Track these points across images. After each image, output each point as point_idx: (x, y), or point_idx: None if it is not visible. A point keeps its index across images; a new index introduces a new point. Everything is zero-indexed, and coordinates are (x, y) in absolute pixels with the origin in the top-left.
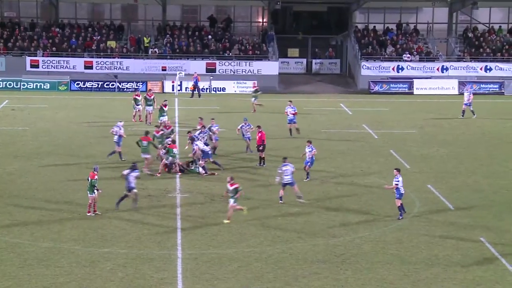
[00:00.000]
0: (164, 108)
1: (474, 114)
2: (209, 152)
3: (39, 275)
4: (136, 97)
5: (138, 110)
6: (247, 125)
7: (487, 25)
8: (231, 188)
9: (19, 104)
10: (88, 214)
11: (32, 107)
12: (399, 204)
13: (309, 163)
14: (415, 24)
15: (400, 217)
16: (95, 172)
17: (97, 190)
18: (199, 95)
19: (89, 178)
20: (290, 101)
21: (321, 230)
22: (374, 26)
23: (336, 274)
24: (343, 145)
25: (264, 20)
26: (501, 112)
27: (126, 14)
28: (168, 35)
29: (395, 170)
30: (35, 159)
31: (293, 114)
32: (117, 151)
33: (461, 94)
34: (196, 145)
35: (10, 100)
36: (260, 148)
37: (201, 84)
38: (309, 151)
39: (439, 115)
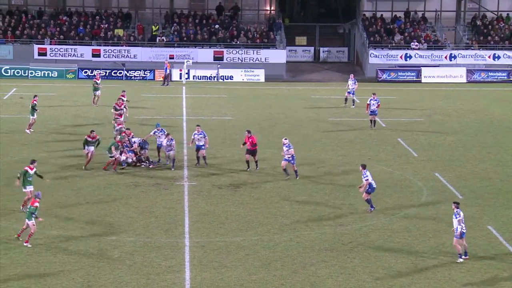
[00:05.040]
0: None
1: (353, 104)
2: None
3: (47, 262)
4: (96, 80)
5: (98, 96)
6: (161, 131)
7: (496, 13)
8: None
9: (27, 92)
10: (26, 244)
11: (40, 95)
12: (367, 198)
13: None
14: (423, 12)
15: (372, 209)
16: (37, 199)
17: (36, 217)
18: (167, 83)
19: (29, 205)
20: (374, 94)
21: (328, 219)
22: (382, 14)
23: (344, 262)
24: (350, 133)
25: (272, 8)
26: (509, 100)
27: (133, 2)
28: (175, 23)
29: (360, 167)
30: (43, 147)
31: (376, 106)
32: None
33: (469, 82)
34: (135, 142)
35: (18, 88)
36: (253, 152)
37: (208, 72)
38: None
39: (447, 103)
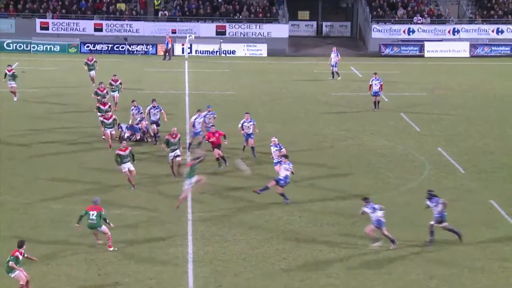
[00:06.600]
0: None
1: (339, 76)
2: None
3: (51, 236)
4: (88, 61)
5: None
6: (211, 113)
7: None
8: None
9: (29, 66)
10: (110, 249)
11: (42, 69)
12: (281, 192)
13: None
14: None
15: (286, 201)
16: (96, 204)
17: (109, 223)
18: (170, 58)
19: (92, 211)
20: (375, 73)
21: (331, 193)
22: None
23: (346, 237)
24: (353, 108)
25: None
26: None
27: None
28: None
29: (283, 158)
30: (46, 121)
31: (379, 87)
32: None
33: (473, 57)
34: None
35: (20, 63)
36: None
37: (210, 47)
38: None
39: (450, 78)
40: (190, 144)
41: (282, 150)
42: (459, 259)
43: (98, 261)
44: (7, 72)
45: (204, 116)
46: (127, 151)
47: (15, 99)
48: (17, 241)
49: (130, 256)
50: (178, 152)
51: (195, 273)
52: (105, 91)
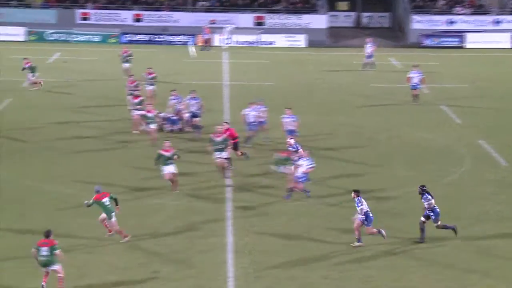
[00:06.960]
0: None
1: (369, 67)
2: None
3: (91, 225)
4: (123, 54)
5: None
6: (261, 107)
7: None
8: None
9: (70, 57)
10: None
11: (82, 59)
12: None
13: None
14: None
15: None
16: (101, 192)
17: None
18: (209, 49)
19: (103, 199)
20: (415, 66)
21: (370, 185)
22: None
23: (386, 229)
24: (392, 100)
25: None
26: None
27: None
28: None
29: (304, 152)
30: (85, 111)
31: (419, 80)
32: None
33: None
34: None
35: (61, 53)
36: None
37: (249, 38)
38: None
39: (491, 69)
40: (248, 137)
41: (299, 151)
42: (500, 252)
43: (139, 250)
44: (25, 66)
45: (256, 110)
46: (171, 153)
47: (35, 89)
48: (45, 231)
49: (170, 245)
50: (224, 154)
51: (235, 263)
52: (133, 84)
